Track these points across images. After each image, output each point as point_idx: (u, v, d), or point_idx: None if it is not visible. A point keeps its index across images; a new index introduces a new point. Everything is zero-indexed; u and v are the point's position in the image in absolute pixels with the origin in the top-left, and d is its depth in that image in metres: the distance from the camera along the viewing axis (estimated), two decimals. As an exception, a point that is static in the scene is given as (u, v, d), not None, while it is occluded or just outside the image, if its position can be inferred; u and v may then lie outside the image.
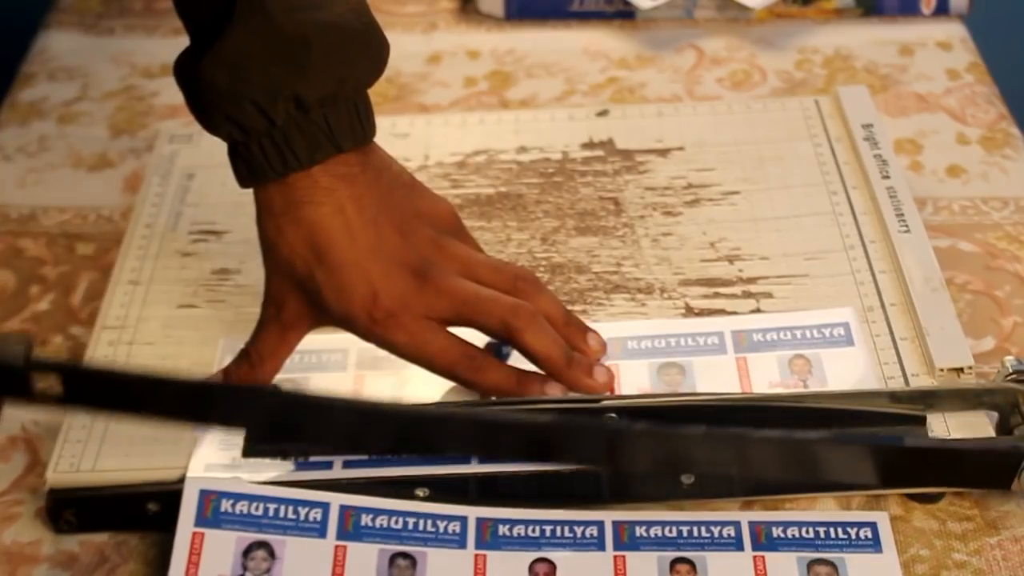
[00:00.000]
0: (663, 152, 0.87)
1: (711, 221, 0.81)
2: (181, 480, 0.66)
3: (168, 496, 0.66)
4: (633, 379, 0.71)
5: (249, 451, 0.67)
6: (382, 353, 0.69)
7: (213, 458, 0.67)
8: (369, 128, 0.69)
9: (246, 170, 0.67)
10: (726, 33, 1.04)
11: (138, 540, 0.67)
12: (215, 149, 0.89)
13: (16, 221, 0.89)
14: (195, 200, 0.84)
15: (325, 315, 0.69)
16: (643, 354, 0.72)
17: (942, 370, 0.69)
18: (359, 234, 0.67)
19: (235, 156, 0.68)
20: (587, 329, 0.72)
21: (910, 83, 0.97)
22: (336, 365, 0.73)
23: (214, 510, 0.64)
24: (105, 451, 0.68)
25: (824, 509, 0.67)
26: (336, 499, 0.65)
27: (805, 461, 0.63)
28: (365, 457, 0.67)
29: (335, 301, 0.67)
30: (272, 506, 0.65)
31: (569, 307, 0.75)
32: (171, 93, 0.99)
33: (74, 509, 0.67)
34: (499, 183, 0.85)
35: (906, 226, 0.78)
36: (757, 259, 0.78)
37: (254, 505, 0.64)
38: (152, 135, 0.94)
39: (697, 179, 0.84)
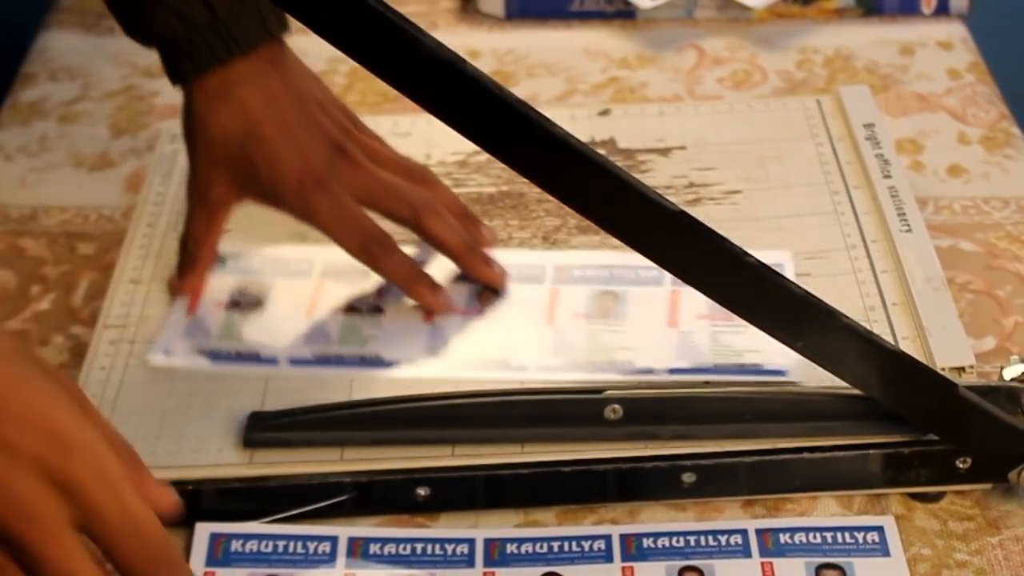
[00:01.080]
0: (664, 151, 0.87)
1: (713, 220, 0.79)
2: (183, 480, 0.67)
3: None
4: (571, 303, 0.75)
5: (250, 442, 0.68)
6: (346, 259, 0.74)
7: (215, 457, 0.68)
8: (286, 17, 0.74)
9: (190, 64, 0.72)
10: (727, 33, 1.04)
11: (140, 539, 0.67)
12: (216, 148, 0.89)
13: (17, 221, 0.89)
14: (196, 199, 0.84)
15: (253, 187, 0.74)
16: (584, 281, 0.77)
17: (943, 369, 0.69)
18: (288, 109, 0.73)
19: (175, 52, 0.73)
20: (480, 221, 0.78)
21: (911, 83, 0.97)
22: (301, 273, 0.77)
23: (224, 551, 0.65)
24: (107, 450, 0.68)
25: (825, 509, 0.67)
26: (344, 531, 0.65)
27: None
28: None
29: (267, 171, 0.73)
30: (281, 543, 0.65)
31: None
32: (172, 93, 0.99)
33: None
34: (500, 182, 0.85)
35: (908, 226, 0.78)
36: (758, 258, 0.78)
37: (264, 543, 0.65)
38: (153, 135, 0.94)
39: (699, 178, 0.84)
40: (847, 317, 0.61)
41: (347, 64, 0.98)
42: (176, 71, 0.74)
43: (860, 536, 0.64)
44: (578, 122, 0.89)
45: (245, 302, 0.76)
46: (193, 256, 0.76)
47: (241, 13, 0.72)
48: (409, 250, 0.76)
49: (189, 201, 0.76)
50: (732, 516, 0.67)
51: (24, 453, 0.50)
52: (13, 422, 0.50)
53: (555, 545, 0.65)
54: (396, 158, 0.78)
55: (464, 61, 0.55)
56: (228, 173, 0.74)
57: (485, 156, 0.86)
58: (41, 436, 0.51)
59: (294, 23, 0.70)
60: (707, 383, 0.70)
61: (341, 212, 0.74)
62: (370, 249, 0.74)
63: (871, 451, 0.67)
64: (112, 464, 0.52)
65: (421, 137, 0.88)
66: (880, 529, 0.65)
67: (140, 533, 0.52)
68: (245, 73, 0.73)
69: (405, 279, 0.75)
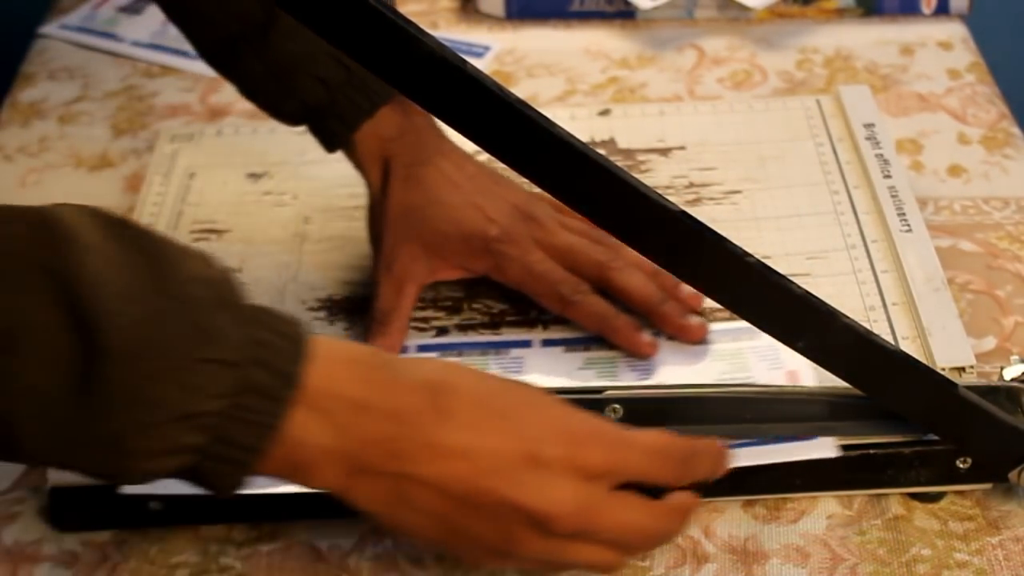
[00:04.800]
0: (664, 151, 0.87)
1: (713, 220, 0.79)
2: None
3: (170, 495, 0.67)
4: None
5: None
6: None
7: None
8: None
9: (338, 123, 0.74)
10: (727, 33, 1.04)
11: (140, 538, 0.67)
12: (216, 149, 0.90)
13: (17, 220, 0.88)
14: (196, 199, 0.84)
15: (439, 252, 0.75)
16: None
17: (944, 369, 0.69)
18: (464, 183, 0.75)
19: (323, 118, 0.75)
20: (678, 281, 0.74)
21: (911, 83, 0.97)
22: None
23: None
24: (107, 450, 0.68)
25: (825, 509, 0.67)
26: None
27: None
28: None
29: (453, 228, 0.74)
30: None
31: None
32: (172, 92, 1.00)
33: (76, 508, 0.67)
34: (500, 182, 0.85)
35: (908, 226, 0.78)
36: (759, 258, 0.78)
37: None
38: (153, 135, 0.94)
39: (699, 178, 0.84)
40: (847, 317, 0.61)
41: (347, 64, 0.98)
42: (329, 137, 0.76)
43: None
44: (578, 122, 0.90)
45: None
46: (381, 327, 0.74)
47: (359, 70, 0.72)
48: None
49: (375, 275, 0.75)
50: (732, 515, 0.67)
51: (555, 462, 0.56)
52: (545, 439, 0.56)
53: None
54: (580, 224, 0.76)
55: (464, 61, 0.55)
56: (411, 245, 0.74)
57: (485, 156, 0.87)
58: (562, 440, 0.57)
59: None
60: (707, 383, 0.70)
61: (530, 259, 0.74)
62: (561, 293, 0.73)
63: (871, 451, 0.67)
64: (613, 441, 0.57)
65: (421, 137, 0.88)
66: None
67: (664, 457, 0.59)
68: (419, 151, 0.74)
69: (602, 322, 0.73)
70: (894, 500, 0.67)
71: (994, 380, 0.69)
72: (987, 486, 0.67)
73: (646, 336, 0.72)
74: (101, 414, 0.50)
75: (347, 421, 0.54)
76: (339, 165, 0.87)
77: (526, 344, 0.74)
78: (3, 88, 1.02)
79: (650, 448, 0.59)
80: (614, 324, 0.73)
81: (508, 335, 0.74)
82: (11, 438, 0.51)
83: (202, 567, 0.66)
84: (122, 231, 0.52)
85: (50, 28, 1.08)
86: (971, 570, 0.64)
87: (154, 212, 0.83)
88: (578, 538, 0.56)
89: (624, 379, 0.71)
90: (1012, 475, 0.65)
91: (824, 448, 0.66)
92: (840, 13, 1.05)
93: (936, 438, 0.66)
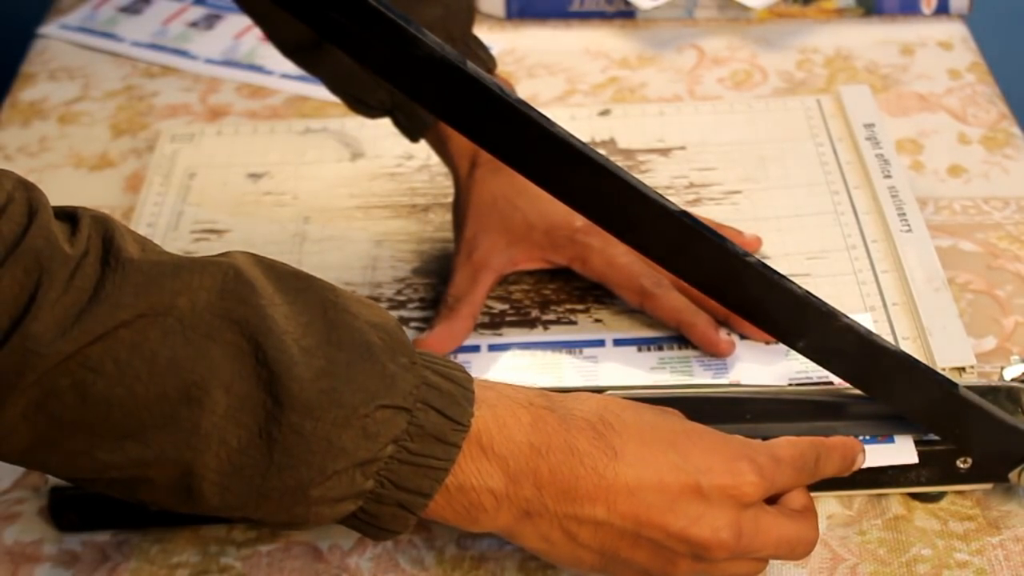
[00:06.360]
0: (665, 152, 0.87)
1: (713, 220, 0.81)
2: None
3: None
4: None
5: None
6: None
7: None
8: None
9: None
10: (727, 33, 1.04)
11: (140, 539, 0.67)
12: (216, 149, 0.90)
13: (17, 220, 0.88)
14: (196, 199, 0.84)
15: (522, 242, 0.75)
16: None
17: (944, 369, 0.69)
18: None
19: (408, 107, 0.76)
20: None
21: (911, 83, 0.97)
22: None
23: None
24: (107, 450, 0.68)
25: (825, 509, 0.67)
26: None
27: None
28: None
29: (539, 219, 0.75)
30: None
31: (572, 306, 0.76)
32: (172, 92, 1.00)
33: (76, 508, 0.67)
34: (501, 182, 0.85)
35: (908, 226, 0.78)
36: (759, 258, 0.78)
37: None
38: (153, 135, 0.94)
39: (699, 178, 0.84)
40: (847, 317, 0.61)
41: (347, 64, 0.98)
42: (413, 123, 0.77)
43: None
44: (578, 122, 0.90)
45: None
46: (450, 312, 0.74)
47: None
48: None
49: (454, 260, 0.76)
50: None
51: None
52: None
53: None
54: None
55: (464, 61, 0.55)
56: (493, 234, 0.75)
57: (485, 156, 0.87)
58: (720, 471, 0.58)
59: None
60: (705, 383, 0.70)
61: (612, 252, 0.74)
62: (643, 286, 0.73)
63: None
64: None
65: (421, 137, 0.88)
66: None
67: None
68: None
69: (680, 317, 0.73)
70: (894, 500, 0.67)
71: (994, 380, 0.69)
72: (987, 486, 0.67)
73: (723, 334, 0.72)
74: (286, 464, 0.51)
75: (521, 466, 0.55)
76: (339, 165, 0.87)
77: (600, 343, 0.74)
78: (3, 88, 1.02)
79: (795, 461, 0.60)
80: (692, 320, 0.72)
81: (510, 336, 0.74)
82: (194, 489, 0.51)
83: (202, 567, 0.66)
84: (290, 281, 0.53)
85: (50, 28, 1.08)
86: (971, 570, 0.64)
87: (154, 212, 0.83)
88: (733, 559, 0.58)
89: (699, 378, 0.71)
90: (1012, 475, 0.65)
91: (904, 452, 0.65)
92: (840, 13, 1.05)
93: (936, 438, 0.66)
